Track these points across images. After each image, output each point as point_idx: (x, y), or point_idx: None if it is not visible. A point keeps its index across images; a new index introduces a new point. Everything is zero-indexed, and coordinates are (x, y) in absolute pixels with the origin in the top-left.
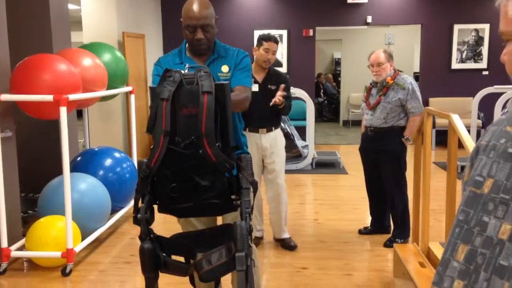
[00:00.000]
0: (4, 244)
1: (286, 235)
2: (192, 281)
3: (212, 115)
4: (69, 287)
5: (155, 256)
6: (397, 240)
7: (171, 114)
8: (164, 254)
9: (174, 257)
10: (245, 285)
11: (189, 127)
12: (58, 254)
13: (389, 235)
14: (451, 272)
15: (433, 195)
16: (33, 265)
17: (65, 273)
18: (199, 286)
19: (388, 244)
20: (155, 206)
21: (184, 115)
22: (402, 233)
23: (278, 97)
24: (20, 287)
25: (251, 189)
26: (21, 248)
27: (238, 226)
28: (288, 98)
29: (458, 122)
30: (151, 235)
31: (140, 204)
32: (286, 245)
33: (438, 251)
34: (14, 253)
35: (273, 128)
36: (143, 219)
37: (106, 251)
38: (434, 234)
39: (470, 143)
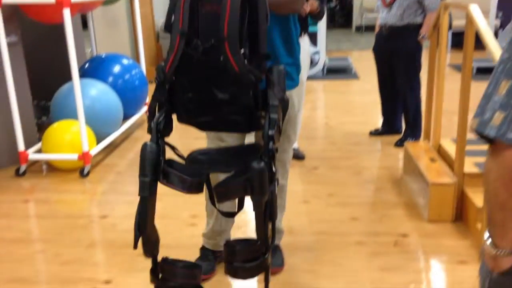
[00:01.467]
0: (21, 148)
1: (295, 146)
2: (212, 200)
3: (237, 14)
4: (88, 187)
5: (156, 161)
6: (408, 139)
7: (192, 10)
8: (167, 166)
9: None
10: (263, 218)
11: (210, 28)
12: (74, 156)
13: (400, 136)
14: (493, 105)
15: (446, 96)
16: (51, 168)
17: (83, 174)
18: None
19: (399, 144)
20: (174, 117)
21: (206, 13)
22: (413, 133)
23: (312, 2)
24: (41, 188)
25: (280, 107)
26: (38, 152)
27: (256, 170)
28: (322, 1)
29: (477, 13)
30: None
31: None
32: (294, 155)
33: (450, 147)
34: (32, 156)
35: (302, 34)
36: (154, 129)
37: (122, 154)
38: (446, 132)
39: (488, 35)
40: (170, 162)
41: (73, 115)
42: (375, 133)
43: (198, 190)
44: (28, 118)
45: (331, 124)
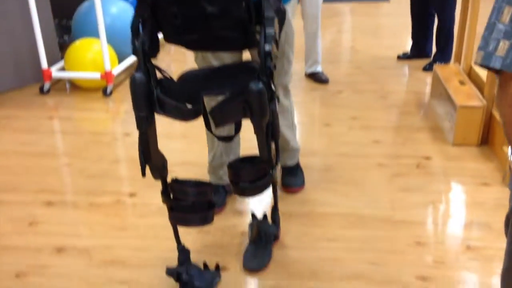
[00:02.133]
0: (44, 65)
1: (318, 69)
2: (208, 125)
3: None
4: (111, 106)
5: (148, 91)
6: (437, 62)
7: None
8: (160, 92)
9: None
10: (265, 139)
11: None
12: (97, 75)
13: (429, 60)
14: (497, 35)
15: (481, 18)
16: (74, 87)
17: (106, 94)
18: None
19: (428, 68)
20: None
21: None
22: (443, 56)
23: None
24: (64, 105)
25: (276, 19)
26: (61, 70)
27: (255, 91)
28: None
29: None
30: (148, 69)
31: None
32: (318, 79)
33: (481, 70)
34: (55, 74)
35: None
36: (139, 49)
37: None
38: None
39: None
40: (163, 86)
41: (95, 34)
42: (403, 57)
43: (196, 116)
44: (50, 36)
45: (358, 48)
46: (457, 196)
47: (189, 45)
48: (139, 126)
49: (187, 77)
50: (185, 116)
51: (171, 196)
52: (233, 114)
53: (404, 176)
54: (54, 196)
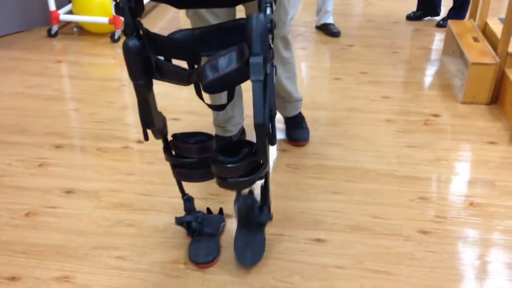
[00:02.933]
0: (52, 7)
1: (330, 20)
2: (198, 92)
3: None
4: (119, 52)
5: (144, 57)
6: (452, 18)
7: None
8: (157, 57)
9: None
10: (262, 95)
11: None
12: (105, 19)
13: (443, 16)
14: None
15: None
16: (82, 31)
17: (114, 39)
18: (206, 99)
19: (441, 24)
20: None
21: None
22: (459, 12)
23: None
24: (72, 50)
25: None
26: (69, 13)
27: (253, 19)
28: None
29: None
30: (139, 31)
31: None
32: (329, 31)
33: (496, 27)
34: (63, 17)
35: None
36: (125, 7)
37: (153, 22)
38: (493, 12)
39: None
40: (156, 46)
41: None
42: (412, 16)
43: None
44: None
45: (371, 1)
46: (463, 153)
47: (176, 3)
48: (138, 95)
49: (182, 36)
50: (187, 80)
51: (173, 152)
52: (232, 82)
53: (411, 133)
54: (62, 139)
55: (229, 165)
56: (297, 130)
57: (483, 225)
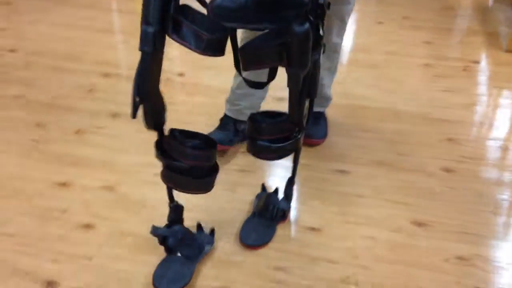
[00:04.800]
0: None
1: None
2: (237, 64)
3: None
4: None
5: (163, 5)
6: None
7: None
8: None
9: None
10: (299, 95)
11: None
12: None
13: None
14: None
15: None
16: None
17: None
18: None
19: None
20: None
21: None
22: None
23: None
24: None
25: None
26: None
27: (298, 34)
28: None
29: None
30: None
31: None
32: None
33: None
34: None
35: None
36: None
37: None
38: None
39: None
40: (184, 9)
41: None
42: None
43: (218, 50)
44: None
45: None
46: (498, 100)
47: None
48: (142, 44)
49: (218, 7)
50: (205, 46)
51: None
52: (266, 58)
53: (448, 78)
54: (110, 68)
55: (264, 124)
56: (312, 126)
57: (507, 167)
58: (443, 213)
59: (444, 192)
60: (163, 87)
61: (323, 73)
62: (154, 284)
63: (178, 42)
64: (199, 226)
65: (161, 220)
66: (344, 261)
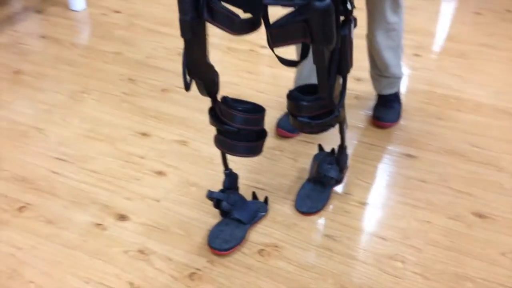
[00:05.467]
0: None
1: None
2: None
3: None
4: None
5: None
6: None
7: None
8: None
9: None
10: (326, 72)
11: None
12: None
13: None
14: None
15: None
16: None
17: None
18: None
19: None
20: None
21: None
22: None
23: None
24: None
25: None
26: None
27: (317, 9)
28: None
29: None
30: None
31: None
32: None
33: None
34: None
35: None
36: None
37: None
38: None
39: None
40: None
41: None
42: None
43: (251, 29)
44: None
45: None
46: None
47: None
48: (182, 33)
49: None
50: (237, 28)
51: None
52: (291, 35)
53: None
54: None
55: (303, 103)
56: (384, 108)
57: None
58: (508, 208)
59: None
60: (246, 57)
61: (386, 53)
62: (208, 243)
63: (212, 24)
64: (254, 195)
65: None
66: (394, 239)
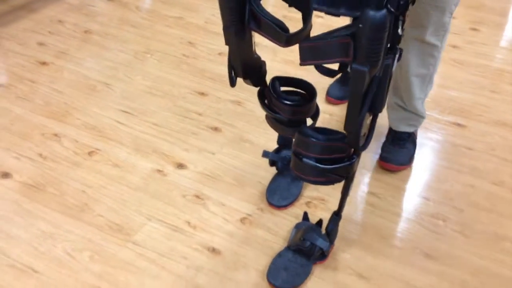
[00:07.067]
0: None
1: None
2: None
3: None
4: None
5: (240, 2)
6: None
7: None
8: (255, 5)
9: None
10: (360, 103)
11: None
12: None
13: None
14: None
15: None
16: None
17: None
18: None
19: None
20: None
21: None
22: None
23: None
24: None
25: None
26: None
27: (371, 20)
28: None
29: None
30: None
31: None
32: None
33: None
34: None
35: None
36: None
37: None
38: None
39: None
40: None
41: None
42: None
43: (297, 41)
44: None
45: None
46: None
47: None
48: (227, 41)
49: None
50: (283, 41)
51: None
52: (326, 52)
53: None
54: None
55: (312, 139)
56: (395, 147)
57: None
58: None
59: None
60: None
61: (413, 80)
62: (267, 199)
63: (259, 34)
64: None
65: (276, 135)
66: (437, 200)
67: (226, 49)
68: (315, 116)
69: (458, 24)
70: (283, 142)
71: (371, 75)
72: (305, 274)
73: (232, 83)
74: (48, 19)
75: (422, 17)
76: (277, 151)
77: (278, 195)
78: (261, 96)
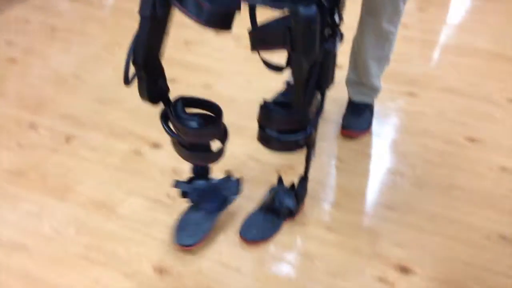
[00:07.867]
0: None
1: None
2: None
3: None
4: None
5: None
6: None
7: None
8: None
9: None
10: (303, 84)
11: None
12: None
13: None
14: None
15: None
16: None
17: None
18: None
19: None
20: None
21: None
22: None
23: None
24: None
25: None
26: None
27: (301, 17)
28: None
29: None
30: None
31: None
32: None
33: None
34: None
35: None
36: None
37: None
38: None
39: None
40: None
41: None
42: None
43: (223, 25)
44: None
45: None
46: None
47: None
48: (141, 9)
49: None
50: (206, 18)
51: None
52: (272, 41)
53: None
54: None
55: (275, 113)
56: (354, 115)
57: None
58: (497, 134)
59: (505, 119)
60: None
61: (371, 62)
62: (174, 234)
63: (179, 9)
64: (228, 175)
65: (248, 112)
66: (395, 160)
67: (193, 37)
68: (223, 139)
69: (408, 5)
70: (198, 172)
71: (310, 62)
72: (275, 228)
73: (126, 79)
74: (14, 18)
75: (378, 6)
76: (190, 181)
77: (186, 232)
78: (164, 119)
